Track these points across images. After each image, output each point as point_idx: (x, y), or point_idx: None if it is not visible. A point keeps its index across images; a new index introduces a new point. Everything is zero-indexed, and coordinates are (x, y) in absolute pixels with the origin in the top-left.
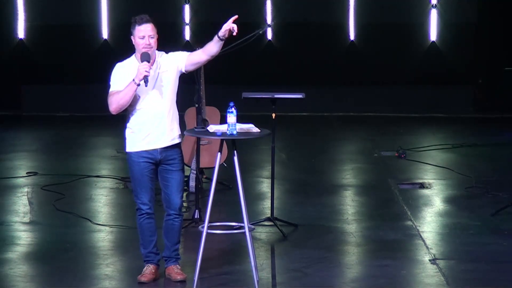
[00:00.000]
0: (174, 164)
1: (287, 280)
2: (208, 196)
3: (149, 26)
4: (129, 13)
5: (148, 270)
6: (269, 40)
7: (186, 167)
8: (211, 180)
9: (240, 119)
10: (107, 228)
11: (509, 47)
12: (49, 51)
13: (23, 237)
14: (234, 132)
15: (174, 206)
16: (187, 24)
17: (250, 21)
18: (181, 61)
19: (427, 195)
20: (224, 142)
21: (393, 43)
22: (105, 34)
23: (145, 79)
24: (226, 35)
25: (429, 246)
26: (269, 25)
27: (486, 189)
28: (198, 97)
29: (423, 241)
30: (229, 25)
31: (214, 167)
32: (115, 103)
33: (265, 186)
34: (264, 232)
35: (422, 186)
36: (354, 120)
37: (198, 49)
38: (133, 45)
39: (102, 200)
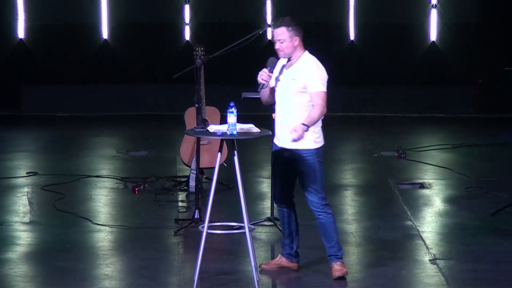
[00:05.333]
0: None
1: (287, 281)
2: (208, 196)
3: (279, 30)
4: (129, 13)
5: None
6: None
7: (186, 167)
8: (211, 180)
9: (240, 119)
10: (107, 228)
11: (509, 47)
12: (49, 51)
13: (23, 237)
14: (234, 132)
15: None
16: (187, 24)
17: (250, 21)
18: (309, 87)
19: (427, 195)
20: (224, 142)
21: (393, 43)
22: (105, 34)
23: (260, 85)
24: None
25: (429, 246)
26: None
27: (486, 189)
28: (198, 97)
29: (423, 241)
30: None
31: (214, 167)
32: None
33: (265, 186)
34: (264, 232)
35: (422, 186)
36: (354, 120)
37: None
38: None
39: (102, 200)
